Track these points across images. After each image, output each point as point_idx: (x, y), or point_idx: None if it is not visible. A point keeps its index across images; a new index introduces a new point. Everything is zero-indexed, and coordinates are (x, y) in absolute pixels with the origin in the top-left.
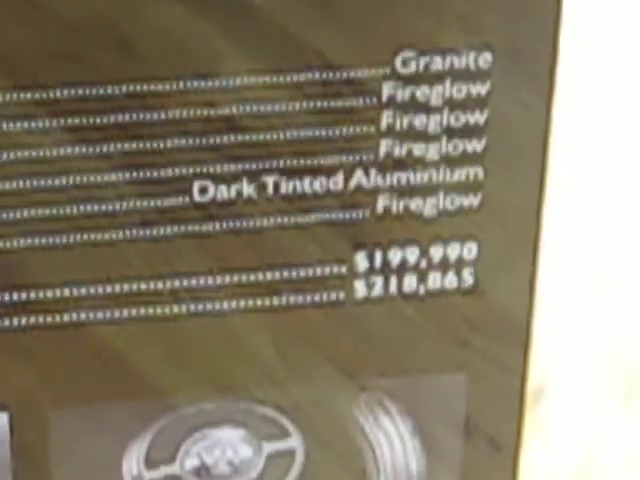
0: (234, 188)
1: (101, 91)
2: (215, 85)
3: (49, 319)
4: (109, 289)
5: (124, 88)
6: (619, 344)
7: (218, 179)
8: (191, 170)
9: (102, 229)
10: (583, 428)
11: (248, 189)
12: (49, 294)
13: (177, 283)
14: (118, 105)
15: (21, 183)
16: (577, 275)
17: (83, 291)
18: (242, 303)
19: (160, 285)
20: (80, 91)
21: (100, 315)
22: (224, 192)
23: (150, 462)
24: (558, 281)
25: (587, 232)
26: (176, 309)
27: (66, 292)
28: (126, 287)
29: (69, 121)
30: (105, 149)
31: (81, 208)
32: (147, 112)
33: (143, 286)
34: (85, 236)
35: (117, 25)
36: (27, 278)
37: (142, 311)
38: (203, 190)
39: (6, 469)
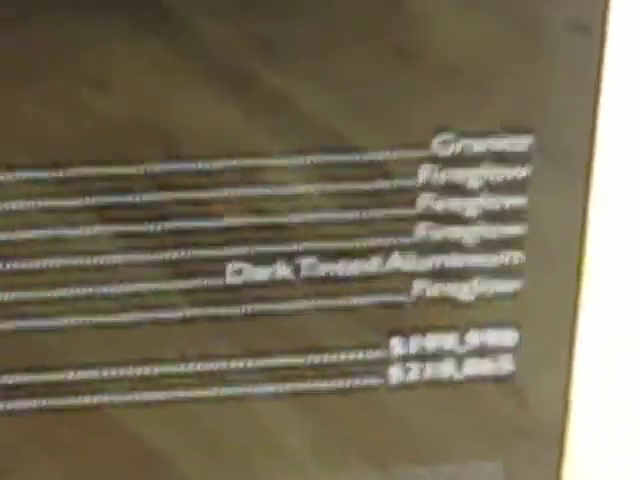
0: (268, 270)
1: (132, 171)
2: (250, 168)
3: (71, 401)
4: (134, 371)
5: (157, 170)
6: None
7: (253, 261)
8: (225, 252)
9: (127, 310)
10: None
11: (283, 271)
12: (71, 376)
13: (205, 366)
14: (149, 185)
15: (42, 263)
16: (617, 368)
17: (108, 373)
18: (273, 388)
19: (187, 368)
20: (110, 171)
21: (124, 398)
22: (258, 274)
23: None
24: (597, 373)
25: (629, 324)
26: (203, 393)
27: (91, 374)
28: (151, 370)
29: (97, 201)
30: (134, 229)
31: (105, 289)
32: (179, 193)
33: (171, 369)
34: (110, 317)
35: (157, 121)
36: (48, 359)
37: (168, 395)
38: (237, 272)
39: None
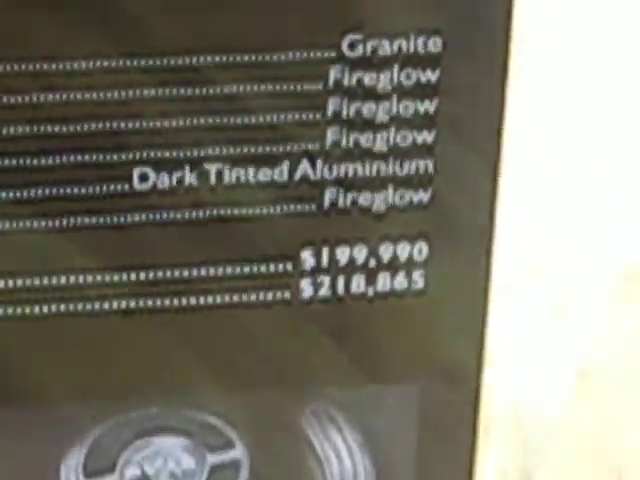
0: (175, 177)
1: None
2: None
3: None
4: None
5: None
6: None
7: (159, 166)
8: (130, 157)
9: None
10: None
11: (190, 177)
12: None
13: (125, 277)
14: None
15: None
16: (533, 284)
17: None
18: (183, 301)
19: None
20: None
21: (36, 310)
22: (165, 180)
23: (89, 472)
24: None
25: (542, 229)
26: (115, 305)
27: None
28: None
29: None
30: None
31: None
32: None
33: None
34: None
35: None
36: None
37: (77, 308)
38: (143, 178)
39: None
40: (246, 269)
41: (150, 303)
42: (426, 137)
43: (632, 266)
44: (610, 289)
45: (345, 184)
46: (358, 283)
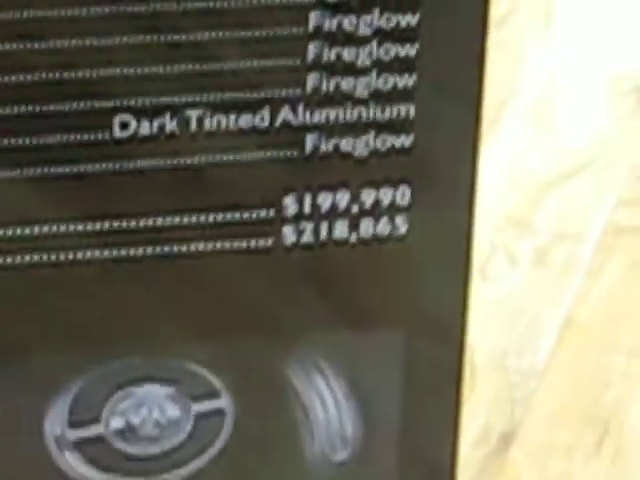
0: (156, 124)
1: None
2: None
3: None
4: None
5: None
6: None
7: (140, 113)
8: (110, 104)
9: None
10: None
11: (171, 124)
12: None
13: (106, 225)
14: None
15: None
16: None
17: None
18: (165, 249)
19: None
20: None
21: (10, 260)
22: (146, 128)
23: (74, 422)
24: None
25: (525, 176)
26: (96, 254)
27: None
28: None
29: None
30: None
31: None
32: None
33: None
34: None
35: None
36: None
37: (54, 257)
38: (123, 125)
39: None
40: (228, 216)
41: (132, 252)
42: (407, 81)
43: (615, 217)
44: (594, 239)
45: (327, 129)
46: (341, 229)
